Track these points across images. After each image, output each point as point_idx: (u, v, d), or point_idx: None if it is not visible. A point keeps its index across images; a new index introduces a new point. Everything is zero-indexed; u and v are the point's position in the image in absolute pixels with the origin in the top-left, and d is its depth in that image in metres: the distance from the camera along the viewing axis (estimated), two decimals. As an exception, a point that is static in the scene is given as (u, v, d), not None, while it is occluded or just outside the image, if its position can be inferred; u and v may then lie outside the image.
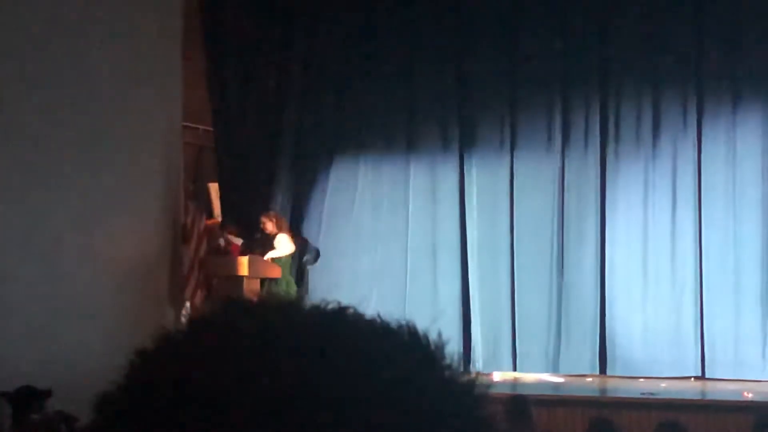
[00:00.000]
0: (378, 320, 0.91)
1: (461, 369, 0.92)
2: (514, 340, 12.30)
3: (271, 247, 12.23)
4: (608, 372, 12.03)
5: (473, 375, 0.93)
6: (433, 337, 0.93)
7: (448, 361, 0.91)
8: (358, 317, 0.91)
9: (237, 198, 12.95)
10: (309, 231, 12.94)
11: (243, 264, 11.82)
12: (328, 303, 0.92)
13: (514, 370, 12.20)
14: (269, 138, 13.03)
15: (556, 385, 11.55)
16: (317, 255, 12.86)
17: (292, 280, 12.32)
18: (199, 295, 12.06)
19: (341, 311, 0.91)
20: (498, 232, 12.45)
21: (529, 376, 12.04)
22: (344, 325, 0.89)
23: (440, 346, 0.92)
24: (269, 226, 12.32)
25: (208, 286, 12.21)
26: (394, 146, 12.84)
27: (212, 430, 0.81)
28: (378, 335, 0.89)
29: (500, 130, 12.58)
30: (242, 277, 11.79)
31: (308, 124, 12.98)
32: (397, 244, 12.70)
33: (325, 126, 12.96)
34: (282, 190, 12.98)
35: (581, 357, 12.10)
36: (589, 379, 11.92)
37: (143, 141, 11.67)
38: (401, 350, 0.89)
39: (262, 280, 12.08)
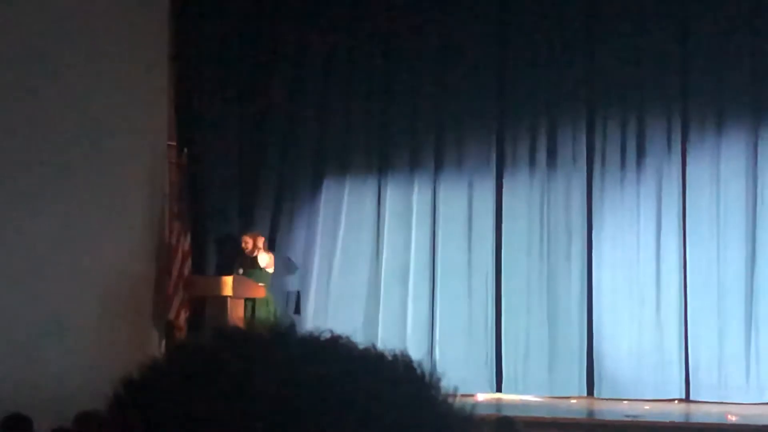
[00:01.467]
0: (372, 351, 0.90)
1: (456, 400, 0.90)
2: (499, 361, 12.28)
3: (257, 266, 12.21)
4: (595, 394, 12.01)
5: (468, 407, 0.91)
6: (427, 368, 0.91)
7: (443, 393, 0.90)
8: (352, 347, 0.89)
9: (217, 218, 12.95)
10: (291, 251, 12.90)
11: (227, 284, 11.79)
12: (320, 332, 0.90)
13: (499, 391, 12.17)
14: (252, 159, 13.02)
15: (540, 407, 11.51)
16: (293, 267, 12.84)
17: (273, 300, 12.29)
18: (183, 315, 12.02)
19: (334, 341, 0.89)
20: (484, 252, 12.44)
21: (512, 397, 12.01)
22: (338, 356, 0.87)
23: (435, 378, 0.90)
24: (251, 245, 12.30)
25: (192, 307, 12.16)
26: (375, 167, 12.82)
27: None
28: (372, 367, 0.88)
29: (486, 152, 12.58)
30: (226, 297, 11.75)
31: (288, 144, 12.97)
32: (380, 265, 12.67)
33: (304, 146, 12.94)
34: (264, 210, 12.95)
35: (568, 379, 12.08)
36: (574, 401, 11.90)
37: (127, 160, 11.63)
38: (396, 383, 0.87)
39: (246, 300, 12.05)
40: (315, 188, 12.92)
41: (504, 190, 12.52)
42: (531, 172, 12.44)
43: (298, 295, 12.78)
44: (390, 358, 0.89)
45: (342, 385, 0.83)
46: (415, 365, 0.90)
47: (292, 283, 12.83)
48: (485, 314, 12.36)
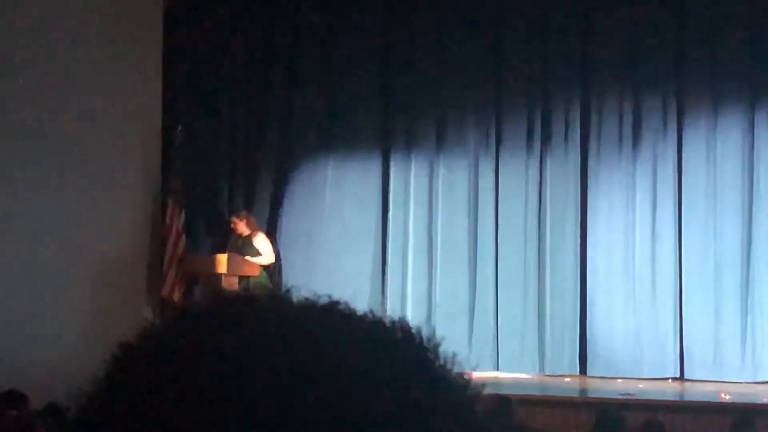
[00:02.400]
0: (370, 316, 0.89)
1: (455, 367, 0.90)
2: (497, 339, 12.28)
3: (251, 247, 12.19)
4: (588, 372, 12.03)
5: (467, 374, 0.91)
6: (425, 334, 0.91)
7: (441, 359, 0.90)
8: (350, 313, 0.89)
9: (209, 196, 12.94)
10: (288, 231, 12.88)
11: (221, 262, 11.79)
12: (319, 297, 0.90)
13: (497, 369, 12.18)
14: (248, 135, 13.01)
15: (535, 385, 11.55)
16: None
17: (266, 277, 12.28)
18: (177, 293, 12.02)
19: (333, 306, 0.89)
20: (483, 233, 12.43)
21: (506, 375, 12.03)
22: (336, 320, 0.87)
23: (433, 344, 0.90)
24: (240, 227, 12.29)
25: (187, 285, 12.17)
26: (374, 146, 12.80)
27: (197, 426, 0.79)
28: (370, 332, 0.87)
29: (484, 132, 12.56)
30: (220, 274, 11.76)
31: (286, 122, 12.95)
32: (378, 244, 12.67)
33: (302, 124, 12.92)
34: (260, 188, 12.94)
35: (562, 357, 12.11)
36: (568, 379, 11.93)
37: (122, 138, 11.63)
38: (394, 347, 0.87)
39: (240, 278, 12.05)
40: (313, 166, 12.89)
41: (500, 170, 12.51)
42: (526, 152, 12.43)
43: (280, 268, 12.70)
44: (388, 323, 0.89)
45: (339, 347, 0.83)
46: (414, 330, 0.90)
47: (289, 262, 12.80)
48: (484, 293, 12.36)
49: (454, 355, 0.91)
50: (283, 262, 12.70)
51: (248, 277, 12.07)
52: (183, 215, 12.21)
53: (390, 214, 12.70)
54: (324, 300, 0.89)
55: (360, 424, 0.80)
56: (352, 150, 12.83)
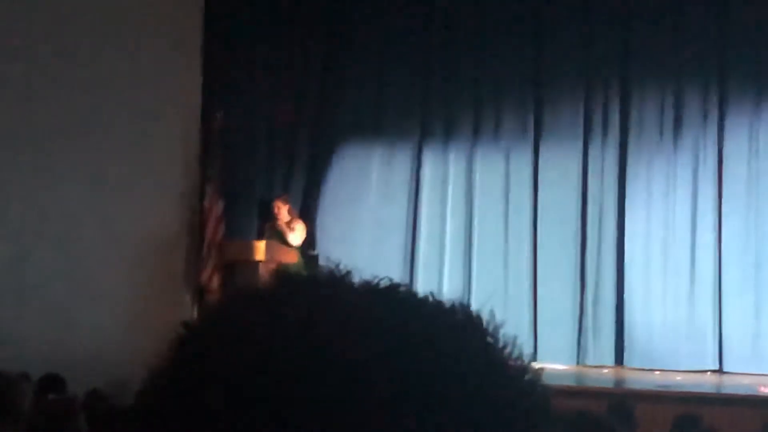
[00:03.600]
0: (431, 299, 0.89)
1: (515, 351, 0.90)
2: (535, 330, 12.25)
3: (290, 232, 12.23)
4: (625, 364, 11.98)
5: (526, 358, 0.90)
6: (485, 318, 0.90)
7: (502, 342, 0.89)
8: (411, 295, 0.88)
9: (248, 183, 12.95)
10: (321, 218, 12.89)
11: (260, 249, 11.81)
12: (380, 279, 0.89)
13: (535, 360, 12.12)
14: (287, 124, 13.02)
15: (572, 376, 11.51)
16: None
17: (304, 265, 12.30)
18: (215, 279, 12.05)
19: (394, 288, 0.88)
20: (521, 223, 12.40)
21: (545, 366, 11.98)
22: (397, 303, 0.87)
23: (494, 328, 0.90)
24: (283, 211, 12.30)
25: (225, 271, 12.19)
26: (411, 134, 12.79)
27: (263, 404, 0.79)
28: (431, 314, 0.87)
29: (523, 122, 12.53)
30: (258, 261, 11.78)
31: (323, 109, 12.96)
32: (413, 234, 12.66)
33: (339, 111, 12.93)
34: (297, 176, 12.96)
35: (599, 348, 12.07)
36: (606, 371, 11.89)
37: (161, 124, 11.68)
38: (455, 330, 0.86)
39: (278, 265, 12.07)
40: (351, 154, 12.90)
41: (540, 159, 12.47)
42: (567, 142, 12.37)
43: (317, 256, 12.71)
44: (448, 306, 0.89)
45: (402, 329, 0.83)
46: (474, 314, 0.89)
47: (323, 249, 12.82)
48: (522, 284, 12.32)
49: (515, 339, 0.91)
50: (318, 250, 12.71)
51: (286, 264, 12.08)
52: (222, 202, 12.24)
53: (426, 204, 12.69)
54: (385, 282, 0.89)
55: (422, 406, 0.80)
56: (389, 139, 12.83)
